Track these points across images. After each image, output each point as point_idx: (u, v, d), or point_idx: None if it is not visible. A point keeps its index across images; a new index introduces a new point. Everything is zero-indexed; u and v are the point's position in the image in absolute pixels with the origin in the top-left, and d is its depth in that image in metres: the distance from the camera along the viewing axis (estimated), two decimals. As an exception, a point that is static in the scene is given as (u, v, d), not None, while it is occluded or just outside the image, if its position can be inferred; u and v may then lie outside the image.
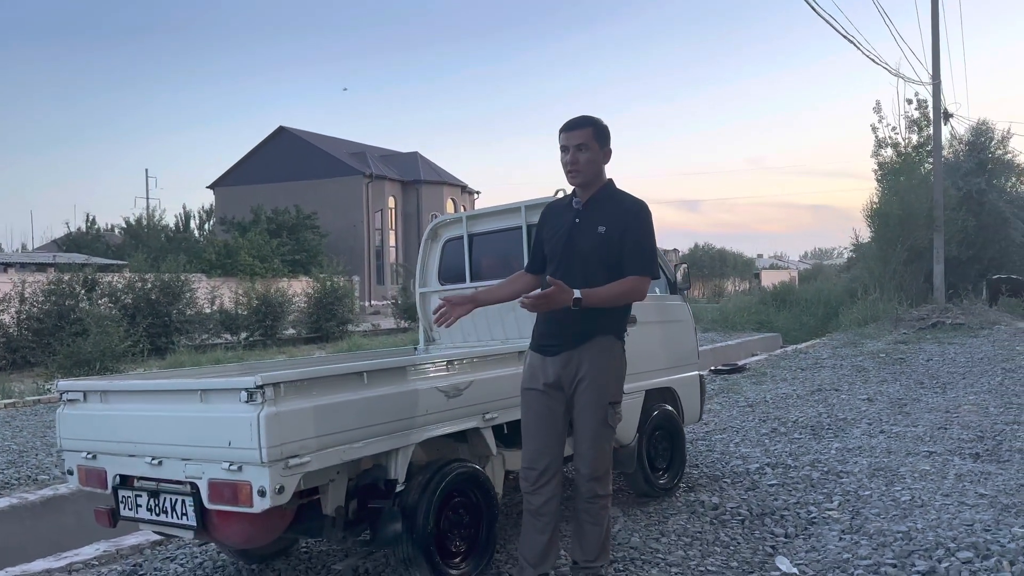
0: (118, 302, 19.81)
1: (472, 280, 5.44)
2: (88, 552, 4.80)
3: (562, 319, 3.39)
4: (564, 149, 3.45)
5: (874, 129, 24.76)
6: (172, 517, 3.46)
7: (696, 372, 5.64)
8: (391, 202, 46.05)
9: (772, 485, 5.33)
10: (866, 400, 8.58)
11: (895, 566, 3.81)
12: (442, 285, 5.65)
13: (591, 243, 3.41)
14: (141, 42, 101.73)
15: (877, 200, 21.98)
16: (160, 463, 3.43)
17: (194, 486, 3.33)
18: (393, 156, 48.91)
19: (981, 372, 10.22)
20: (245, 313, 24.09)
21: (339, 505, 3.61)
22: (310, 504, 3.58)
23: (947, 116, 20.35)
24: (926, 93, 21.34)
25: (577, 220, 3.46)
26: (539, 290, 3.34)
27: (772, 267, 71.37)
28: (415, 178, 46.56)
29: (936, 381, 9.76)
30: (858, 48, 29.46)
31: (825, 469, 5.65)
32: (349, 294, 26.98)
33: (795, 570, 3.89)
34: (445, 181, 47.78)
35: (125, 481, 3.66)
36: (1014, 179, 24.38)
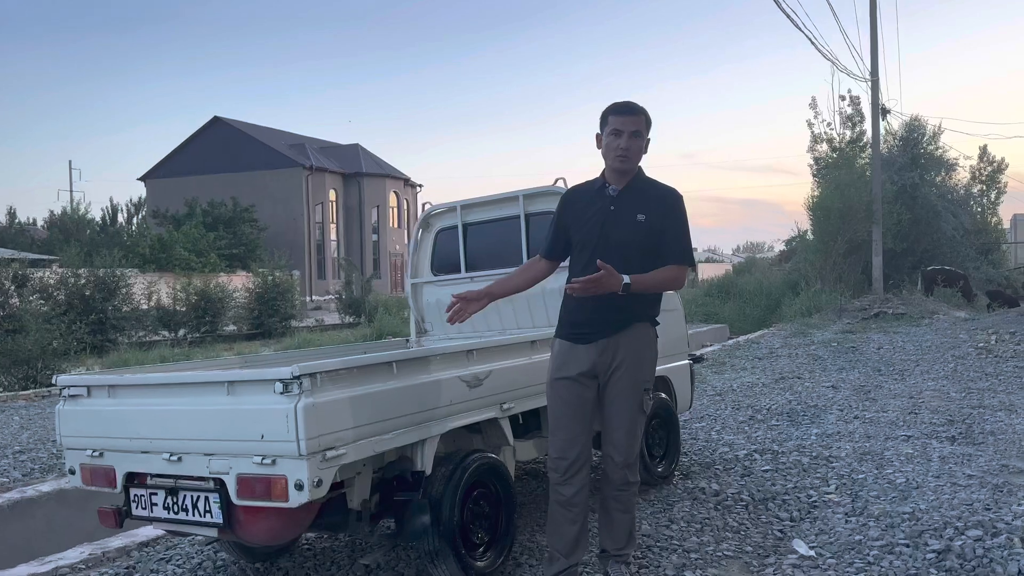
0: (50, 299, 19.05)
1: (467, 271, 5.38)
2: (73, 556, 4.58)
3: (600, 306, 3.36)
4: (617, 133, 3.38)
5: (810, 125, 25.37)
6: (193, 515, 3.33)
7: (687, 361, 5.69)
8: (332, 195, 45.32)
9: (766, 471, 5.41)
10: (831, 387, 8.80)
11: (908, 546, 3.90)
12: (435, 276, 5.58)
13: (630, 231, 3.39)
14: (65, 34, 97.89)
15: (816, 194, 22.57)
16: (180, 459, 3.29)
17: (219, 482, 3.21)
18: (333, 148, 48.09)
19: (933, 360, 10.58)
20: (184, 309, 23.45)
21: (364, 498, 3.53)
22: (335, 498, 3.48)
23: (884, 112, 21.01)
24: (859, 90, 22.04)
25: (613, 208, 3.42)
26: (584, 282, 3.23)
27: (707, 260, 72.75)
28: (357, 170, 45.87)
29: (892, 368, 10.07)
30: (813, 43, 30.04)
31: (813, 454, 5.76)
32: (292, 289, 26.50)
33: (812, 553, 3.95)
34: (388, 174, 47.18)
35: (135, 479, 3.52)
36: (944, 173, 25.29)
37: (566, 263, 3.89)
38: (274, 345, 20.76)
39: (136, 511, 3.51)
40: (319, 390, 3.03)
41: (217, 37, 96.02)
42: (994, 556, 3.67)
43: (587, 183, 3.60)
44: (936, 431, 6.44)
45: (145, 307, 22.91)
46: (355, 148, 47.74)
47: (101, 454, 3.55)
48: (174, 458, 3.30)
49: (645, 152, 3.47)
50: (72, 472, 3.69)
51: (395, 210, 47.56)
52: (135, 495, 3.50)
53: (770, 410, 7.58)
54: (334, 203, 45.60)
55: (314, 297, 37.77)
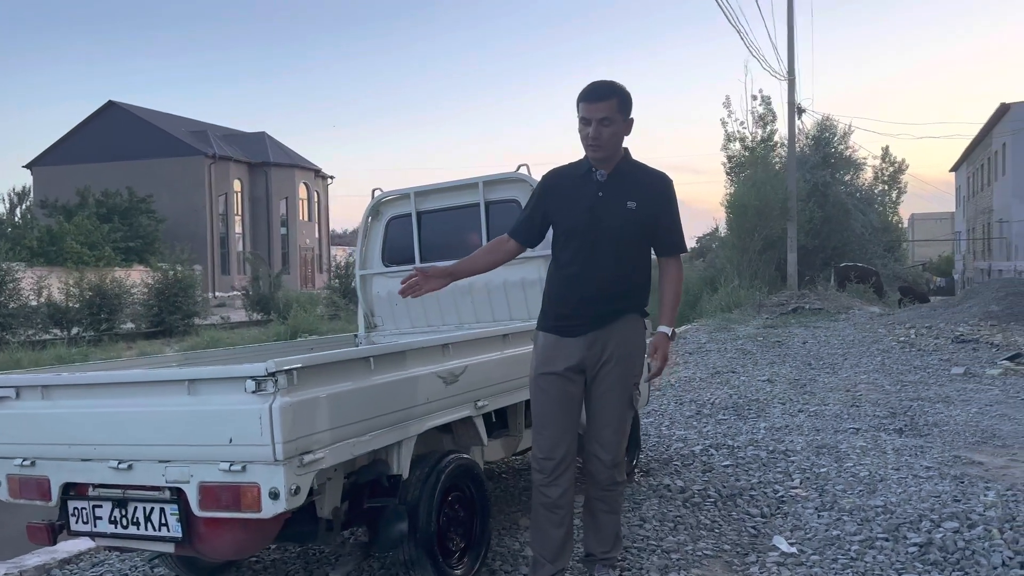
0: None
1: (423, 261, 5.11)
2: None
3: (589, 297, 3.23)
4: (585, 121, 3.17)
5: (724, 123, 25.92)
6: (146, 529, 2.98)
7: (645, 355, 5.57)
8: (237, 185, 43.62)
9: (726, 466, 5.33)
10: (767, 381, 8.86)
11: (888, 540, 3.85)
12: (387, 267, 5.29)
13: (621, 219, 3.21)
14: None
15: (732, 192, 23.05)
16: (130, 467, 2.94)
17: (178, 492, 2.88)
18: (238, 136, 46.22)
19: (859, 353, 10.83)
20: (77, 306, 22.22)
21: (336, 506, 3.24)
22: (304, 506, 3.18)
23: (800, 111, 21.58)
24: (771, 89, 22.66)
25: (601, 194, 3.23)
26: (657, 360, 3.29)
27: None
28: (263, 160, 44.25)
29: (822, 362, 10.25)
30: (743, 40, 30.75)
31: (768, 448, 5.72)
32: (194, 284, 25.49)
33: (793, 549, 3.86)
34: (297, 164, 45.73)
35: (73, 490, 3.14)
36: (853, 173, 26.23)
37: (531, 252, 3.67)
38: (177, 344, 19.90)
39: (75, 526, 3.13)
40: (295, 388, 2.73)
41: (116, 21, 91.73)
42: (976, 548, 3.65)
43: (570, 166, 3.38)
44: (882, 423, 6.51)
45: (35, 303, 21.63)
46: (262, 136, 46.07)
47: (33, 463, 3.16)
48: (123, 466, 2.95)
49: (627, 133, 3.26)
50: (-2, 484, 3.27)
51: (305, 202, 46.23)
52: (74, 508, 3.12)
53: (714, 404, 7.56)
54: (239, 194, 43.94)
55: (218, 293, 36.42)
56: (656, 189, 3.29)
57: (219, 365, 3.42)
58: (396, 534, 3.22)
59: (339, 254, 36.57)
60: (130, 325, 23.06)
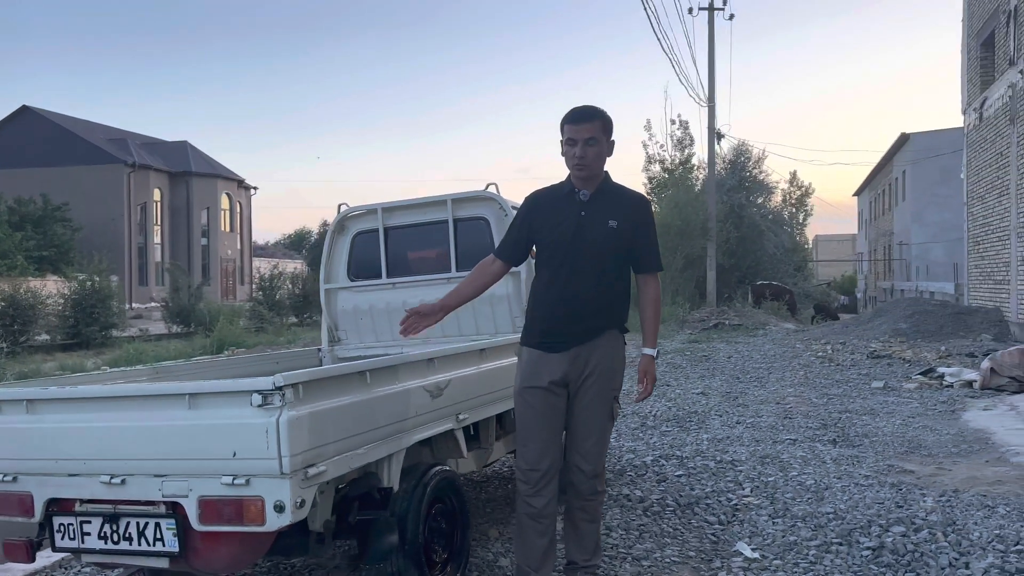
0: None
1: (389, 276, 5.16)
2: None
3: (572, 314, 3.34)
4: (571, 142, 3.31)
5: (645, 146, 26.72)
6: (140, 544, 2.94)
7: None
8: (156, 194, 42.43)
9: (679, 476, 5.53)
10: (701, 394, 9.18)
11: (842, 544, 4.09)
12: (352, 281, 5.31)
13: (602, 237, 3.34)
14: None
15: (654, 212, 23.70)
16: (123, 482, 2.91)
17: (175, 506, 2.86)
18: (159, 144, 45.02)
19: (782, 368, 11.30)
20: (-12, 317, 21.18)
21: (327, 519, 3.26)
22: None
23: (719, 136, 22.37)
24: (689, 114, 23.47)
25: (584, 213, 3.36)
26: (646, 383, 3.52)
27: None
28: (185, 169, 43.17)
29: (750, 376, 10.65)
30: (674, 69, 31.64)
31: (716, 459, 5.95)
32: (113, 295, 24.61)
33: (756, 555, 4.06)
34: (220, 174, 44.75)
35: (56, 506, 3.08)
36: (766, 196, 27.28)
37: (518, 268, 3.82)
38: (97, 357, 19.18)
39: (61, 542, 3.06)
40: (300, 402, 2.77)
41: (32, 28, 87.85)
42: (924, 550, 3.91)
43: (553, 187, 3.51)
44: (816, 435, 6.84)
45: (-60, 314, 20.54)
46: (183, 146, 45.01)
47: (15, 478, 3.08)
48: (116, 480, 2.91)
49: (609, 155, 3.41)
50: (-27, 500, 3.18)
51: (227, 212, 45.22)
52: (60, 524, 3.05)
53: (656, 416, 7.79)
54: (159, 203, 42.73)
55: (135, 305, 35.19)
56: (635, 209, 3.43)
57: (214, 380, 3.40)
58: (387, 546, 3.27)
59: (263, 266, 35.78)
60: (45, 337, 22.07)
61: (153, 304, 32.16)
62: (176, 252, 42.22)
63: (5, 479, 3.09)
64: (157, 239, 42.62)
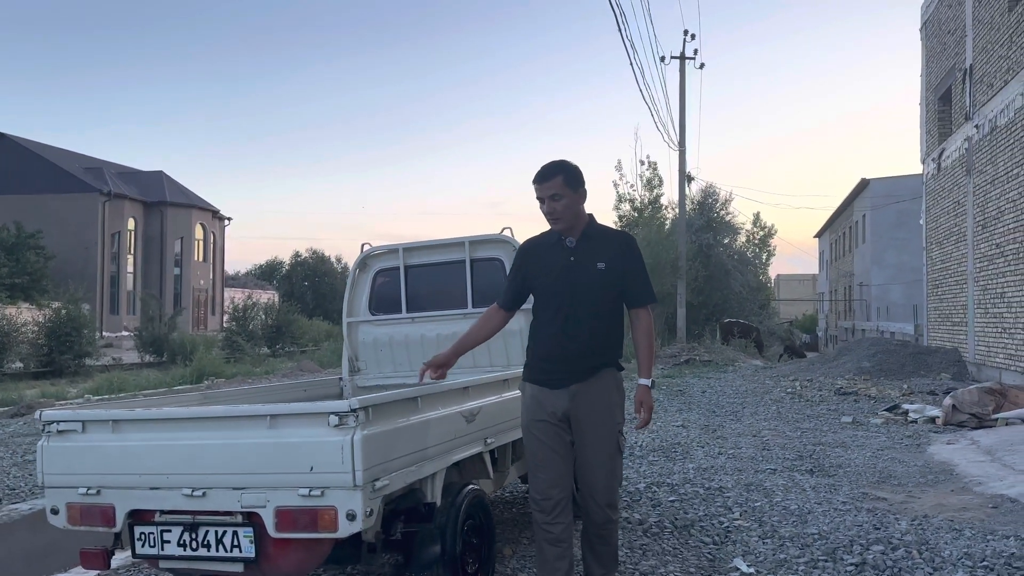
0: None
1: (409, 310, 5.56)
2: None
3: (567, 355, 3.56)
4: (540, 200, 3.57)
5: (615, 185, 27.51)
6: (218, 551, 3.28)
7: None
8: (131, 224, 42.29)
9: (672, 501, 5.95)
10: (681, 427, 9.63)
11: (828, 561, 4.52)
12: (373, 315, 5.69)
13: (593, 280, 3.54)
14: None
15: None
16: (204, 494, 3.26)
17: (251, 516, 3.21)
18: (134, 174, 45.03)
19: (755, 403, 11.81)
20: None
21: (377, 530, 3.62)
22: (348, 530, 3.55)
23: (689, 179, 23.15)
24: (658, 156, 24.28)
25: (572, 259, 3.57)
26: (644, 412, 3.67)
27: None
28: (160, 199, 43.19)
29: (725, 410, 11.14)
30: (652, 116, 32.45)
31: (705, 486, 6.38)
32: (88, 324, 24.57)
33: (752, 570, 4.47)
34: (194, 204, 44.80)
35: (137, 516, 3.41)
36: (732, 236, 28.12)
37: (527, 305, 4.20)
38: (74, 385, 19.14)
39: (141, 550, 3.39)
40: (370, 423, 3.16)
41: (10, 53, 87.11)
42: (902, 566, 4.36)
43: (543, 235, 3.75)
44: (793, 465, 7.31)
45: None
46: (159, 175, 45.06)
47: (98, 491, 3.40)
48: (197, 493, 3.26)
49: (583, 201, 3.61)
50: (55, 512, 3.49)
51: (201, 243, 45.17)
52: (140, 533, 3.38)
53: (642, 447, 8.21)
54: (133, 233, 42.58)
55: (106, 333, 34.92)
56: (621, 248, 3.61)
57: (289, 403, 3.75)
58: (431, 556, 3.63)
59: (237, 295, 35.76)
60: (18, 365, 21.94)
61: (125, 333, 31.99)
62: (148, 281, 42.02)
63: (89, 492, 3.41)
64: (130, 268, 42.42)
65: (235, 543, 3.26)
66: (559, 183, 3.53)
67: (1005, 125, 13.21)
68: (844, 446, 8.24)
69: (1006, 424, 8.86)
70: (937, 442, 8.46)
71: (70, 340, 22.99)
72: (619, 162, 27.44)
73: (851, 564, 4.44)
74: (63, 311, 22.88)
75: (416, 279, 5.57)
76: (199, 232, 44.39)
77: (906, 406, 10.56)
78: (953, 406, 9.35)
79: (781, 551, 4.75)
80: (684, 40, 24.44)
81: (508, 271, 5.28)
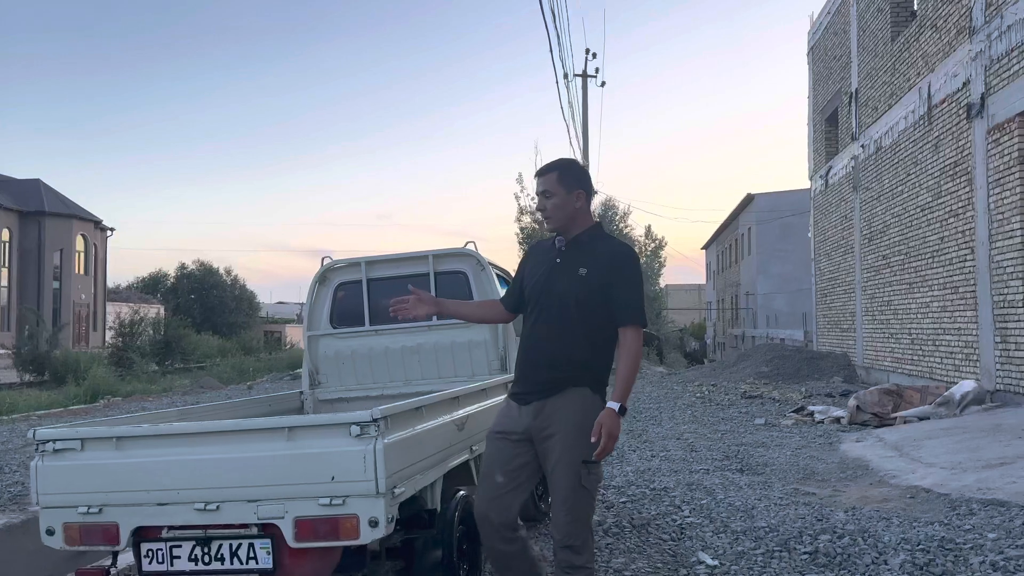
0: None
1: (372, 323, 5.62)
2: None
3: (532, 365, 3.33)
4: (536, 196, 3.49)
5: (516, 198, 27.98)
6: (232, 563, 3.29)
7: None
8: (5, 235, 39.68)
9: (624, 503, 6.21)
10: (608, 433, 9.95)
11: (783, 551, 4.87)
12: (335, 328, 5.72)
13: (569, 284, 3.28)
14: None
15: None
16: (218, 508, 3.27)
17: (267, 527, 3.25)
18: (7, 182, 42.13)
19: (670, 408, 12.30)
20: None
21: (382, 537, 3.70)
22: (356, 539, 3.62)
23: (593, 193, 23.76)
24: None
25: (558, 261, 3.36)
26: (603, 440, 3.10)
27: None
28: (37, 209, 40.80)
29: (644, 416, 11.56)
30: (568, 132, 32.94)
31: (649, 487, 6.69)
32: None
33: (716, 562, 4.77)
34: (75, 214, 42.42)
35: (143, 532, 3.38)
36: (631, 248, 29.03)
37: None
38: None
39: (148, 567, 3.35)
40: (389, 432, 3.26)
41: None
42: (850, 552, 4.75)
43: (550, 238, 3.55)
44: (723, 465, 7.73)
45: None
46: (35, 184, 42.52)
47: (100, 510, 3.36)
48: (211, 507, 3.26)
49: (578, 204, 3.37)
50: (51, 533, 3.42)
51: (82, 255, 42.85)
52: (148, 550, 3.34)
53: (577, 454, 8.47)
54: (7, 244, 39.97)
55: (-24, 351, 32.71)
56: (611, 258, 3.31)
57: (309, 415, 3.78)
58: (433, 561, 3.75)
59: (123, 310, 34.13)
60: None
61: (1, 351, 30.04)
62: (25, 296, 39.60)
63: (91, 511, 3.35)
64: (4, 282, 39.81)
65: (251, 555, 3.28)
66: (552, 179, 3.34)
67: (889, 146, 14.27)
68: (764, 446, 8.74)
69: (904, 422, 9.60)
70: (847, 440, 9.08)
71: (-56, 359, 21.53)
72: (520, 175, 28.01)
73: (805, 553, 4.79)
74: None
75: (379, 292, 5.63)
76: (80, 243, 42.19)
77: (812, 407, 11.25)
78: (857, 406, 10.06)
79: (737, 544, 5.07)
80: (586, 59, 25.09)
81: (473, 283, 5.47)
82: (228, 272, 59.65)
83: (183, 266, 57.32)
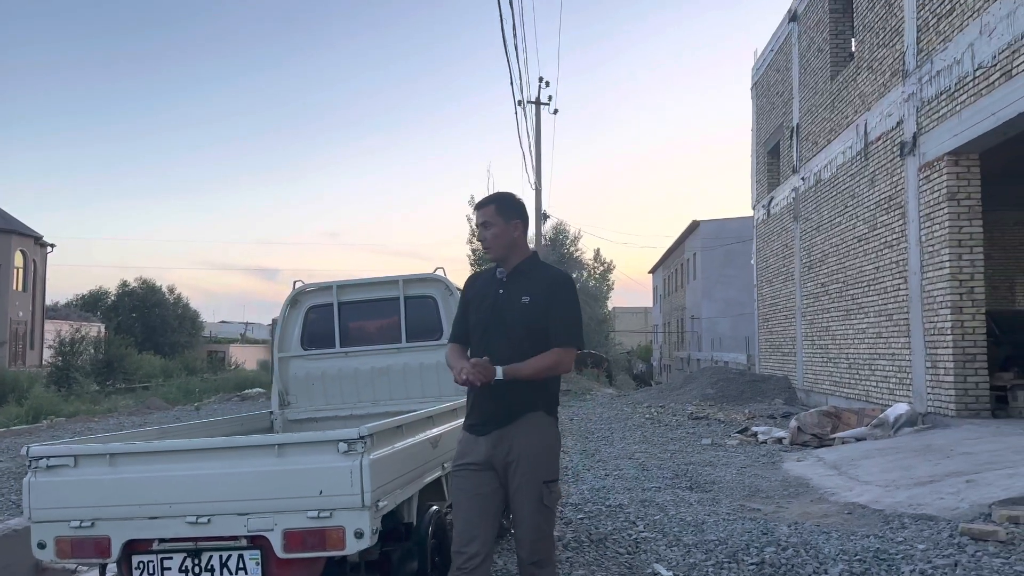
0: None
1: (343, 345, 5.82)
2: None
3: (486, 396, 3.37)
4: (477, 226, 3.59)
5: (469, 219, 28.34)
6: (223, 574, 3.47)
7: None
8: (-61, 250, 38.53)
9: (581, 519, 6.48)
10: (563, 453, 10.23)
11: (732, 563, 5.19)
12: (306, 350, 5.90)
13: (515, 313, 3.39)
14: None
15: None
16: (209, 521, 3.45)
17: (257, 539, 3.44)
18: (-59, 196, 41.05)
19: (621, 429, 12.64)
20: None
21: (361, 550, 3.90)
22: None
23: (545, 217, 24.21)
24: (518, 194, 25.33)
25: (501, 291, 3.46)
26: (472, 368, 3.22)
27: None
28: (-27, 223, 39.48)
29: (596, 436, 11.88)
30: (524, 160, 33.34)
31: (605, 504, 6.97)
32: None
33: (671, 574, 5.06)
34: (15, 230, 41.08)
35: (134, 545, 3.53)
36: (579, 271, 29.54)
37: (441, 340, 4.57)
38: None
39: (140, 579, 3.52)
40: (374, 448, 3.49)
41: None
42: (794, 563, 5.09)
43: (487, 269, 3.67)
44: (673, 483, 8.06)
45: None
46: (-29, 197, 41.17)
47: (92, 524, 3.51)
48: (202, 520, 3.44)
49: (516, 233, 3.48)
50: (42, 546, 3.56)
51: (20, 271, 41.66)
52: (139, 562, 3.51)
53: (533, 473, 8.72)
54: (-60, 260, 38.75)
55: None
56: (550, 285, 3.42)
57: (298, 432, 3.95)
58: (409, 572, 3.97)
59: (64, 328, 33.33)
60: None
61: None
62: (-39, 314, 38.40)
63: (83, 525, 3.51)
64: (-62, 299, 38.56)
65: (240, 566, 3.47)
66: (490, 211, 3.47)
67: (828, 179, 14.95)
68: (711, 465, 9.12)
69: (842, 443, 10.08)
70: (789, 460, 9.51)
71: None
72: (471, 197, 28.31)
73: (752, 564, 5.12)
74: None
75: (349, 315, 5.84)
76: (19, 259, 41.08)
77: (755, 428, 11.70)
78: (798, 427, 10.52)
79: (689, 556, 5.38)
80: (539, 87, 25.76)
81: (442, 307, 5.72)
82: (171, 290, 58.66)
83: (124, 284, 56.19)
